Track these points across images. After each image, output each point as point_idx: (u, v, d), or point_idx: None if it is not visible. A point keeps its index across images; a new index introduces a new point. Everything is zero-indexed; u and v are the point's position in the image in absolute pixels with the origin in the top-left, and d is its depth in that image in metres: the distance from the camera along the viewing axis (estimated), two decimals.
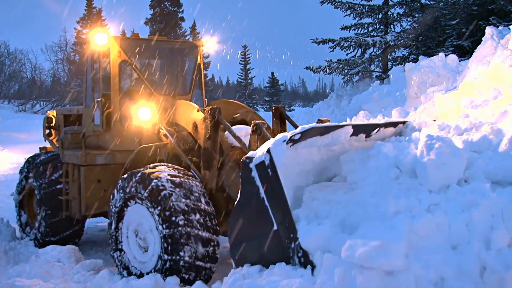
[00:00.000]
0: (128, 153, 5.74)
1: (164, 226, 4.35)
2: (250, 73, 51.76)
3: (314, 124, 3.72)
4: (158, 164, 4.93)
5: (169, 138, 5.49)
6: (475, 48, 9.06)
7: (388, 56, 19.26)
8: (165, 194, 4.39)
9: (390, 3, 18.79)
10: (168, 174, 4.62)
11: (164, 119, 5.81)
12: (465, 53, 13.97)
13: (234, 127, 5.06)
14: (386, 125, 4.32)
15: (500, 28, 9.93)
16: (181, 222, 4.28)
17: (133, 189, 4.67)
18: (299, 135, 3.50)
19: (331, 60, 19.09)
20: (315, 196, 3.63)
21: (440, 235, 3.05)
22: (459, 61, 11.31)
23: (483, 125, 3.89)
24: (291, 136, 3.47)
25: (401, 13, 19.01)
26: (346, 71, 19.22)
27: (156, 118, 5.80)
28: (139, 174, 4.67)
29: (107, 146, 6.19)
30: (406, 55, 18.74)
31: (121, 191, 4.88)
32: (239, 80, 52.65)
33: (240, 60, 51.55)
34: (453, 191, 3.31)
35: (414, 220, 3.05)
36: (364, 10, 18.82)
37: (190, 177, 4.75)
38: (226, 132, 5.10)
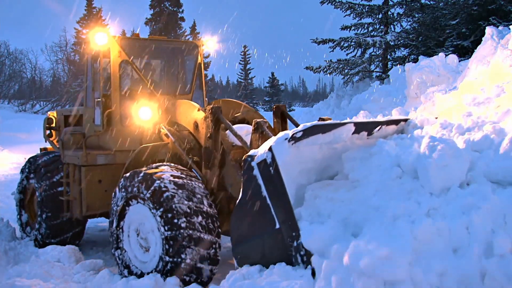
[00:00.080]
0: (128, 153, 5.74)
1: (166, 228, 4.33)
2: (250, 73, 51.76)
3: (316, 122, 3.70)
4: (161, 164, 4.91)
5: (169, 138, 5.48)
6: (475, 48, 9.06)
7: (388, 56, 19.25)
8: (167, 196, 4.36)
9: (390, 3, 18.78)
10: (171, 175, 4.59)
11: (164, 119, 5.79)
12: (465, 53, 13.97)
13: (235, 126, 5.05)
14: (388, 122, 4.31)
15: (500, 28, 9.93)
16: (183, 225, 4.25)
17: (135, 188, 4.65)
18: (301, 133, 3.49)
19: (331, 60, 19.08)
20: (317, 194, 3.62)
21: (440, 240, 3.04)
22: (459, 61, 11.31)
23: (486, 124, 3.88)
24: (293, 134, 3.45)
25: (401, 13, 19.00)
26: (346, 71, 19.20)
27: (156, 118, 5.79)
28: (141, 174, 4.64)
29: (107, 146, 6.18)
30: (406, 55, 18.72)
31: (123, 190, 4.85)
32: (239, 80, 52.64)
33: (240, 60, 51.57)
34: (454, 193, 3.30)
35: (414, 225, 3.04)
36: (364, 10, 18.82)
37: (193, 178, 4.72)
38: (227, 131, 5.09)
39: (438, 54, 11.65)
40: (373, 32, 19.28)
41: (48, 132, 7.72)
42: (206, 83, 7.26)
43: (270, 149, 3.40)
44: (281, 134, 3.54)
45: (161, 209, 4.36)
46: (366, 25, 19.35)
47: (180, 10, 36.63)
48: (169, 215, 4.31)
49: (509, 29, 7.45)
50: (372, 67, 19.66)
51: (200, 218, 4.37)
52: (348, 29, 19.32)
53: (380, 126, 4.19)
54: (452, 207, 3.19)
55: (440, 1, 16.97)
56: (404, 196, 3.35)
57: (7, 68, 37.66)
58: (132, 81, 6.63)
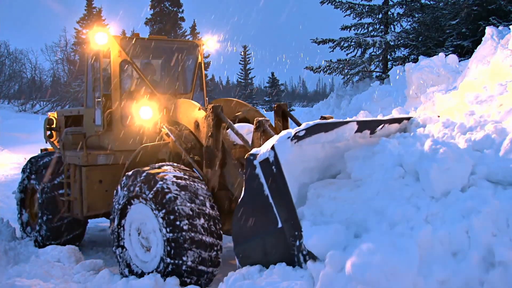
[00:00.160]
0: (129, 153, 5.74)
1: (168, 229, 4.31)
2: (250, 73, 51.75)
3: (318, 121, 3.69)
4: (164, 164, 4.88)
5: (170, 137, 5.47)
6: (475, 48, 9.07)
7: (388, 56, 19.25)
8: (170, 198, 4.34)
9: (390, 3, 18.77)
10: (174, 176, 4.56)
11: (165, 118, 5.78)
12: (465, 53, 13.96)
13: (236, 125, 5.03)
14: (391, 121, 4.29)
15: (500, 28, 9.93)
16: (185, 227, 4.24)
17: (137, 188, 4.63)
18: (304, 131, 3.47)
19: (331, 60, 19.06)
20: (320, 193, 3.61)
21: (441, 246, 3.03)
22: (459, 61, 11.31)
23: (488, 124, 3.86)
24: (296, 133, 3.44)
25: (401, 13, 19.00)
26: (346, 71, 19.19)
27: (157, 117, 5.78)
28: (144, 174, 4.62)
29: (108, 146, 6.18)
30: (406, 55, 18.71)
31: (125, 188, 4.83)
32: (239, 80, 52.63)
33: (240, 60, 51.55)
34: (455, 197, 3.28)
35: (416, 232, 3.03)
36: (364, 10, 18.80)
37: (196, 179, 4.70)
38: (228, 130, 5.08)
39: (438, 54, 11.65)
40: (373, 32, 19.28)
41: (48, 133, 7.71)
42: (206, 82, 7.25)
43: (272, 147, 3.38)
44: (283, 132, 3.53)
45: (163, 211, 4.34)
46: (366, 25, 19.34)
47: (180, 10, 36.61)
48: (171, 217, 4.29)
49: (509, 29, 7.45)
50: (372, 67, 19.66)
51: (202, 221, 4.35)
52: (348, 29, 19.31)
53: (383, 125, 4.17)
54: (452, 212, 3.17)
55: (440, 1, 16.96)
56: (406, 200, 3.33)
57: (7, 68, 37.62)
58: (133, 80, 6.63)
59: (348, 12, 19.00)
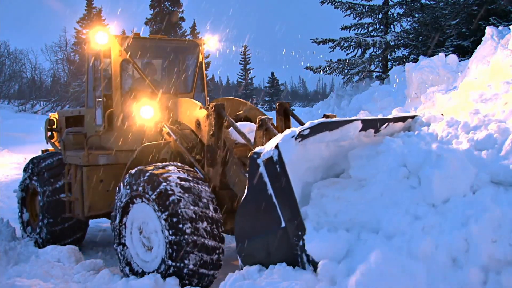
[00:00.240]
0: (130, 152, 5.72)
1: (170, 232, 4.28)
2: (250, 73, 51.75)
3: (323, 120, 3.65)
4: (168, 164, 4.82)
5: (171, 136, 5.45)
6: (475, 48, 9.08)
7: (388, 56, 19.26)
8: (173, 200, 4.30)
9: (390, 3, 18.80)
10: (178, 177, 4.50)
11: (166, 118, 5.77)
12: (465, 53, 13.97)
13: (237, 124, 5.01)
14: (395, 120, 4.25)
15: (500, 28, 9.94)
16: (188, 230, 4.21)
17: (140, 188, 4.60)
18: (308, 130, 3.44)
19: (331, 60, 19.10)
20: (323, 193, 3.59)
21: (440, 255, 2.99)
22: (459, 61, 11.33)
23: (491, 123, 3.83)
24: (300, 132, 3.41)
25: (401, 13, 19.02)
26: (346, 71, 19.22)
27: (158, 117, 5.75)
28: (147, 174, 4.57)
29: (109, 146, 6.17)
30: (406, 55, 18.74)
31: (127, 187, 4.79)
32: (239, 80, 52.63)
33: (240, 60, 51.55)
34: (454, 203, 3.25)
35: (411, 243, 3.00)
36: (364, 10, 18.83)
37: (200, 180, 4.66)
38: (230, 129, 5.06)
39: (438, 54, 11.66)
40: (373, 32, 19.31)
41: (49, 133, 7.70)
42: (207, 82, 7.25)
43: (276, 146, 3.34)
44: (288, 131, 3.49)
45: (166, 213, 4.31)
46: (366, 25, 19.37)
47: (180, 10, 36.60)
48: (174, 219, 4.25)
49: (509, 29, 7.46)
50: (372, 67, 19.68)
51: (205, 224, 4.31)
52: (348, 29, 19.34)
53: (387, 123, 4.13)
54: (452, 219, 3.13)
55: (440, 1, 16.98)
56: (408, 206, 3.30)
57: (7, 68, 37.59)
58: (133, 80, 6.63)
59: (348, 12, 19.03)
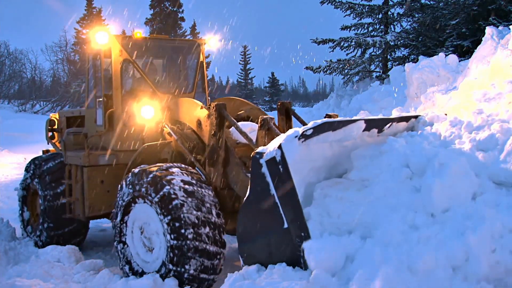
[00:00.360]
0: (131, 153, 5.72)
1: (172, 236, 4.26)
2: (250, 73, 51.73)
3: (326, 119, 3.63)
4: (171, 165, 4.75)
5: (172, 136, 5.43)
6: (475, 48, 9.08)
7: (388, 56, 19.26)
8: (176, 204, 4.26)
9: (390, 3, 18.79)
10: (181, 180, 4.46)
11: (167, 118, 5.75)
12: (465, 53, 13.97)
13: (239, 124, 4.98)
14: (399, 119, 4.23)
15: (500, 28, 9.95)
16: (190, 236, 4.18)
17: (143, 189, 4.56)
18: (311, 130, 3.42)
19: (331, 60, 19.08)
20: (326, 193, 3.57)
21: (439, 266, 2.97)
22: (459, 61, 11.32)
23: (494, 123, 3.81)
24: (303, 132, 3.39)
25: (401, 13, 19.02)
26: (346, 71, 19.21)
27: (159, 117, 5.74)
28: (151, 175, 4.52)
29: (110, 146, 6.16)
30: (406, 55, 18.73)
31: (130, 186, 4.76)
32: (239, 80, 52.63)
33: (240, 60, 51.54)
34: (454, 213, 3.22)
35: (411, 257, 2.97)
36: (364, 10, 18.82)
37: (203, 184, 4.62)
38: (231, 129, 5.05)
39: (438, 54, 11.67)
40: (373, 32, 19.30)
41: (50, 134, 7.68)
42: (207, 81, 7.24)
43: (279, 146, 3.32)
44: (291, 131, 3.47)
45: (169, 217, 4.28)
46: (366, 25, 19.36)
47: (180, 10, 36.61)
48: (177, 224, 4.23)
49: (509, 29, 7.46)
50: (372, 67, 19.67)
51: (207, 229, 4.29)
52: (348, 29, 19.33)
53: (390, 123, 4.11)
54: (450, 230, 3.09)
55: (440, 1, 16.98)
56: (408, 211, 3.28)
57: (7, 68, 37.62)
58: (134, 80, 6.62)
59: (348, 12, 19.03)
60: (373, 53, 19.10)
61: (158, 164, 4.80)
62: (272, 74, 49.80)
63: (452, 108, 4.94)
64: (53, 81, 41.01)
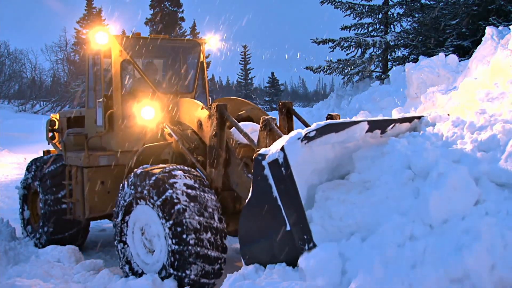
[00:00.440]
0: (131, 153, 5.71)
1: (173, 241, 4.25)
2: (250, 73, 51.72)
3: (329, 121, 3.61)
4: (174, 168, 4.70)
5: (173, 137, 5.41)
6: (475, 48, 9.07)
7: (388, 56, 19.25)
8: (178, 209, 4.23)
9: (390, 3, 18.78)
10: (184, 184, 4.42)
11: (167, 118, 5.74)
12: (465, 53, 13.96)
13: (239, 124, 4.94)
14: (402, 120, 4.22)
15: (500, 28, 9.95)
16: (191, 242, 4.16)
17: (145, 191, 4.53)
18: (314, 132, 3.40)
19: (331, 60, 19.07)
20: (328, 196, 3.55)
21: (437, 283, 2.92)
22: (459, 61, 11.31)
23: (497, 123, 3.77)
24: (306, 134, 3.36)
25: (401, 13, 19.01)
26: (346, 71, 19.20)
27: (159, 117, 5.73)
28: (153, 178, 4.48)
29: (110, 147, 6.15)
30: (406, 55, 18.72)
31: (132, 187, 4.72)
32: (239, 80, 52.60)
33: (240, 60, 51.51)
34: (452, 224, 3.15)
35: (412, 272, 2.93)
36: (364, 10, 18.81)
37: (206, 188, 4.58)
38: (232, 129, 5.03)
39: (438, 54, 11.66)
40: (373, 32, 19.28)
41: (50, 134, 7.67)
42: (208, 82, 7.23)
43: (282, 148, 3.30)
44: (293, 133, 3.45)
45: (171, 222, 4.26)
46: (366, 25, 19.35)
47: (180, 10, 36.60)
48: (179, 229, 4.21)
49: (509, 29, 7.45)
50: (372, 67, 19.66)
51: (209, 235, 4.27)
52: (348, 29, 19.31)
53: (393, 124, 4.10)
54: (448, 243, 3.03)
55: (440, 1, 16.97)
56: (409, 214, 3.24)
57: (7, 68, 37.60)
58: (134, 80, 6.62)
59: (348, 12, 19.00)
60: (373, 53, 19.09)
61: (160, 166, 4.75)
62: (272, 74, 49.80)
63: (455, 108, 4.91)
64: (53, 81, 41.00)
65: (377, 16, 19.10)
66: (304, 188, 3.52)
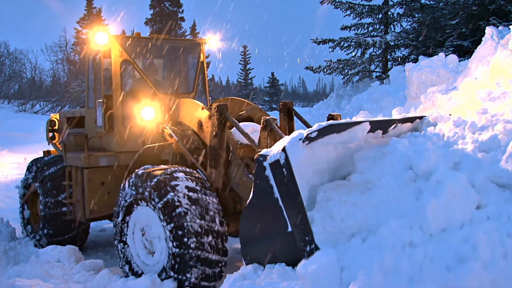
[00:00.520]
0: (131, 154, 5.69)
1: (174, 244, 4.23)
2: (250, 73, 51.71)
3: (331, 122, 3.60)
4: (176, 169, 4.67)
5: (173, 138, 5.40)
6: (475, 48, 9.06)
7: (388, 56, 19.25)
8: (180, 212, 4.21)
9: (390, 3, 18.78)
10: (186, 187, 4.39)
11: (167, 119, 5.72)
12: (465, 53, 13.96)
13: (240, 124, 4.91)
14: (404, 120, 4.20)
15: (500, 28, 9.94)
16: (192, 245, 4.15)
17: (146, 192, 4.50)
18: (316, 132, 3.38)
19: (331, 60, 19.07)
20: (329, 197, 3.53)
21: None
22: (459, 61, 11.31)
23: (498, 123, 3.74)
24: (308, 134, 3.35)
25: (401, 13, 19.01)
26: (346, 71, 19.20)
27: (159, 118, 5.72)
28: (155, 180, 4.45)
29: (110, 148, 6.15)
30: (406, 55, 18.72)
31: (133, 188, 4.70)
32: (239, 80, 52.60)
33: (240, 60, 51.51)
34: (450, 233, 3.09)
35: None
36: (364, 10, 18.81)
37: (208, 191, 4.56)
38: (233, 129, 5.02)
39: (438, 54, 11.65)
40: (373, 32, 19.28)
41: (51, 134, 7.67)
42: (208, 82, 7.22)
43: (283, 149, 3.28)
44: (294, 133, 3.44)
45: (172, 225, 4.24)
46: (366, 25, 19.35)
47: (180, 10, 36.59)
48: (180, 232, 4.19)
49: (509, 29, 7.45)
50: (372, 67, 19.66)
51: (210, 238, 4.25)
52: (348, 29, 19.31)
53: (395, 124, 4.08)
54: (447, 253, 2.96)
55: (440, 1, 16.97)
56: (409, 218, 3.21)
57: (7, 68, 37.57)
58: (134, 81, 6.61)
59: (348, 12, 19.01)
60: (373, 53, 19.09)
61: (162, 167, 4.73)
62: (272, 74, 49.83)
63: (456, 108, 4.89)
64: (53, 81, 40.98)
65: (377, 16, 19.10)
66: (306, 189, 3.50)
